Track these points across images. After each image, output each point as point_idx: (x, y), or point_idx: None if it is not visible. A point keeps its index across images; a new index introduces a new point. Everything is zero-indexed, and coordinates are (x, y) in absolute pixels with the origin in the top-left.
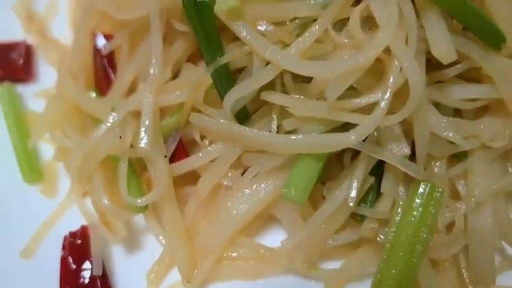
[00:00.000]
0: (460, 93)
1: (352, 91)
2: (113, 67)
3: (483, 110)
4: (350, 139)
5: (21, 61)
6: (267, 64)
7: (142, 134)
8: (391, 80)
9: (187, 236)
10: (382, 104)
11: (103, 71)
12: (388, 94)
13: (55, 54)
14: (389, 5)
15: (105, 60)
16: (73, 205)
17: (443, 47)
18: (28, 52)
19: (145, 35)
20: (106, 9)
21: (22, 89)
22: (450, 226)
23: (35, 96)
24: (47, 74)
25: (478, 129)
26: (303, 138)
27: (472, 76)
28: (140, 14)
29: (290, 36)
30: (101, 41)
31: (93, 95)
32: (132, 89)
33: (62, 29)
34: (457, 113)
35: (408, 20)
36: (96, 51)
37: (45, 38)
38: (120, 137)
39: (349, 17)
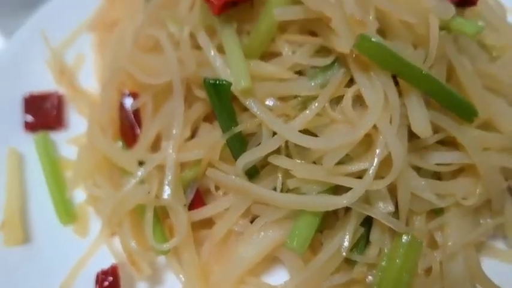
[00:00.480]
0: (437, 159)
1: (346, 156)
2: (138, 122)
3: (459, 171)
4: (342, 202)
5: (54, 111)
6: (274, 133)
7: (166, 186)
8: (378, 151)
9: (203, 275)
10: (371, 171)
11: (129, 125)
12: (375, 163)
13: (84, 104)
14: (377, 90)
15: (131, 116)
16: (103, 245)
17: (421, 124)
18: (60, 102)
19: (168, 96)
20: (134, 73)
21: (54, 136)
22: (429, 270)
23: (66, 142)
24: (76, 121)
25: (452, 189)
26: (302, 197)
27: (450, 142)
28: (165, 80)
29: (293, 110)
30: (127, 98)
31: (120, 146)
32: (155, 142)
33: (89, 78)
34: (436, 174)
35: (392, 103)
36: (123, 107)
37: (75, 88)
38: (149, 192)
39: (343, 95)
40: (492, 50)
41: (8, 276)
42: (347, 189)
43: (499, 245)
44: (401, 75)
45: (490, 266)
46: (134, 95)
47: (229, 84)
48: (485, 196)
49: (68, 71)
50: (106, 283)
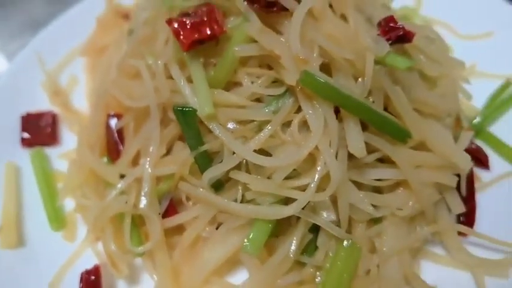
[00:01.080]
0: (375, 175)
1: (294, 171)
2: (122, 140)
3: (397, 185)
4: (289, 211)
5: (49, 129)
6: (234, 152)
7: (143, 197)
8: (319, 169)
9: (174, 275)
10: (312, 185)
11: (113, 143)
12: (316, 179)
13: (75, 122)
14: (318, 117)
15: (116, 135)
16: (88, 248)
17: (356, 146)
18: (54, 121)
19: (147, 118)
20: (118, 97)
21: (49, 151)
22: (368, 272)
23: (58, 157)
24: (69, 138)
25: (388, 201)
26: (257, 208)
27: (389, 160)
28: (144, 104)
29: (250, 132)
30: (113, 118)
31: (105, 161)
32: (136, 158)
33: (82, 98)
34: (377, 187)
35: (331, 128)
36: (109, 126)
37: (67, 108)
38: (126, 202)
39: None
40: (434, 80)
41: (3, 275)
42: (295, 201)
43: (438, 250)
44: (340, 104)
45: (429, 269)
46: (118, 116)
47: (195, 110)
48: (418, 208)
49: (62, 92)
50: (89, 281)
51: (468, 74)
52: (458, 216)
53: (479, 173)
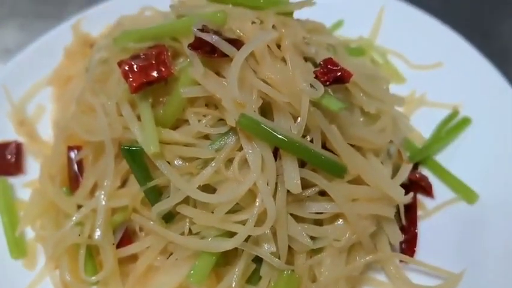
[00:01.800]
0: (313, 208)
1: (237, 205)
2: (81, 171)
3: (337, 217)
4: (229, 244)
5: (13, 159)
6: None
7: (97, 228)
8: (257, 205)
9: None
10: (250, 220)
11: (74, 174)
12: (254, 214)
13: (40, 153)
14: (257, 156)
15: (75, 166)
16: (46, 277)
17: (293, 183)
18: (18, 151)
19: (104, 151)
20: (76, 130)
21: (13, 180)
22: None
23: (23, 186)
24: (34, 167)
25: (325, 232)
26: (200, 241)
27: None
28: (99, 139)
29: (196, 169)
30: (73, 150)
31: (65, 192)
32: (93, 189)
33: (48, 128)
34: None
35: (268, 167)
36: (69, 158)
37: (33, 139)
38: (79, 235)
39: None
40: (374, 116)
41: None
42: (237, 234)
43: (381, 277)
44: (276, 145)
45: None
46: (78, 148)
47: (142, 149)
48: (355, 239)
49: (27, 122)
50: None
51: (418, 104)
52: (401, 243)
53: (425, 201)
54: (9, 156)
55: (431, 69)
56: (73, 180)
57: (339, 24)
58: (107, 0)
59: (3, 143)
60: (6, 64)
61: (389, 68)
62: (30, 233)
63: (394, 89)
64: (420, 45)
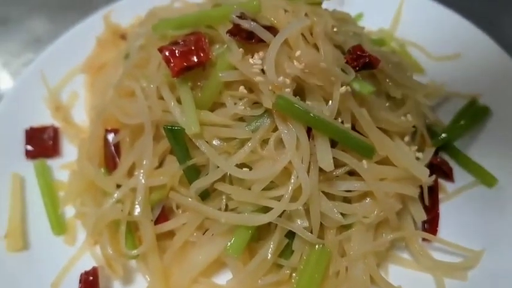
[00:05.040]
0: (343, 187)
1: (272, 183)
2: (118, 153)
3: (365, 195)
4: (266, 218)
5: (51, 142)
6: (218, 166)
7: (137, 205)
8: (292, 181)
9: (165, 276)
10: (286, 196)
11: (111, 155)
12: (289, 190)
13: (76, 137)
14: (292, 136)
15: (113, 148)
16: (87, 251)
17: (326, 161)
18: (55, 134)
19: (141, 133)
20: (115, 114)
21: (51, 162)
22: (338, 273)
23: (60, 168)
24: (69, 150)
25: (355, 210)
26: (238, 215)
27: (357, 172)
28: (138, 121)
29: (233, 149)
30: (110, 133)
31: (103, 172)
32: (131, 170)
33: (81, 113)
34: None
35: (303, 146)
36: (106, 140)
37: (68, 122)
38: (122, 210)
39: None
40: (399, 101)
41: (8, 277)
42: (272, 209)
43: (405, 255)
44: (310, 125)
45: (396, 272)
46: (115, 131)
47: (183, 129)
48: (383, 216)
49: (63, 107)
50: (88, 282)
51: (437, 93)
52: (424, 223)
53: (445, 185)
54: (47, 140)
55: (450, 60)
56: (110, 162)
57: (359, 16)
58: None
59: (41, 127)
60: (38, 52)
61: (408, 58)
62: (68, 212)
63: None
64: (439, 36)
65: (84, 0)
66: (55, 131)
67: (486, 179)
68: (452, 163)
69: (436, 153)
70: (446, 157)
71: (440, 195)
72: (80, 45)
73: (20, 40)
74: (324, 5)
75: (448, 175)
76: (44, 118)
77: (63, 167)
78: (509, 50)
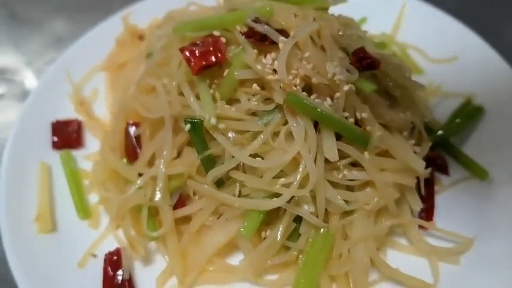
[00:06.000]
0: (347, 176)
1: (282, 172)
2: (139, 144)
3: (366, 184)
4: (276, 203)
5: (75, 134)
6: (233, 156)
7: (157, 192)
8: (300, 170)
9: (182, 257)
10: (295, 183)
11: (132, 147)
12: (298, 178)
13: (97, 129)
14: (301, 129)
15: (134, 140)
16: (110, 234)
17: (331, 152)
18: (79, 127)
19: (161, 127)
20: (136, 108)
21: (75, 153)
22: (341, 255)
23: (84, 158)
24: (91, 142)
25: (357, 197)
26: (251, 201)
27: (359, 164)
28: (159, 115)
29: (247, 141)
30: (131, 127)
31: (125, 162)
32: (151, 160)
33: (102, 108)
34: (349, 186)
35: (310, 138)
36: (128, 133)
37: (91, 117)
38: (145, 195)
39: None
40: (398, 99)
41: (40, 257)
42: (281, 195)
43: (402, 241)
44: (317, 119)
45: (394, 256)
46: (136, 125)
47: (202, 121)
48: (382, 203)
49: (85, 102)
50: (112, 261)
51: (435, 93)
52: (420, 212)
53: (441, 178)
54: (71, 132)
55: (447, 63)
56: (131, 153)
57: (362, 20)
58: None
59: (67, 120)
60: (59, 52)
61: (408, 60)
62: (92, 199)
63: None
64: (437, 41)
65: (101, 2)
66: (79, 124)
67: (479, 172)
68: (448, 158)
69: (432, 148)
70: (442, 153)
71: (436, 188)
72: (100, 45)
73: (41, 40)
74: (330, 10)
75: (444, 169)
76: (68, 112)
77: (86, 157)
78: (507, 54)
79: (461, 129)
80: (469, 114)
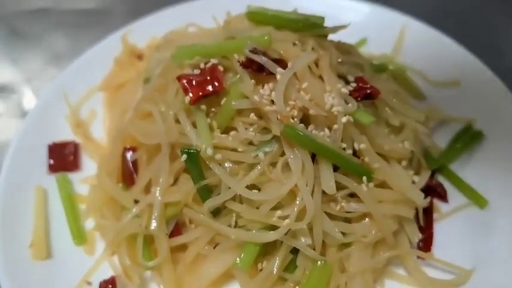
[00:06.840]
0: (345, 208)
1: (279, 203)
2: (136, 170)
3: (364, 216)
4: (273, 236)
5: (71, 157)
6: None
7: (153, 220)
8: (297, 203)
9: (178, 286)
10: (292, 216)
11: (129, 172)
12: (295, 211)
13: (94, 151)
14: (298, 161)
15: (131, 165)
16: (105, 261)
17: (328, 185)
18: (76, 149)
19: (158, 153)
20: (134, 134)
21: (72, 176)
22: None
23: (80, 181)
24: (89, 165)
25: (355, 229)
26: (247, 232)
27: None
28: (156, 142)
29: (243, 171)
30: (128, 151)
31: (121, 187)
32: (147, 186)
33: (100, 130)
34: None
35: (308, 171)
36: (125, 158)
37: (88, 139)
38: (140, 225)
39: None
40: (398, 128)
41: (34, 284)
42: (278, 227)
43: (400, 271)
44: (315, 151)
45: (391, 286)
46: (133, 149)
47: (198, 152)
48: (380, 235)
49: (83, 124)
50: None
51: (435, 117)
52: (418, 242)
53: (440, 205)
54: (68, 155)
55: (448, 87)
56: (127, 178)
57: (362, 41)
58: (150, 13)
59: (63, 142)
60: (58, 68)
61: (409, 84)
62: (88, 224)
63: (413, 103)
64: (438, 63)
65: (100, 18)
66: (76, 147)
67: (478, 200)
68: (447, 184)
69: (432, 175)
70: (441, 178)
71: (435, 215)
72: (98, 65)
73: (39, 57)
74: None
75: (443, 196)
76: (65, 134)
77: (83, 181)
78: (507, 75)
79: (460, 154)
80: (469, 139)
